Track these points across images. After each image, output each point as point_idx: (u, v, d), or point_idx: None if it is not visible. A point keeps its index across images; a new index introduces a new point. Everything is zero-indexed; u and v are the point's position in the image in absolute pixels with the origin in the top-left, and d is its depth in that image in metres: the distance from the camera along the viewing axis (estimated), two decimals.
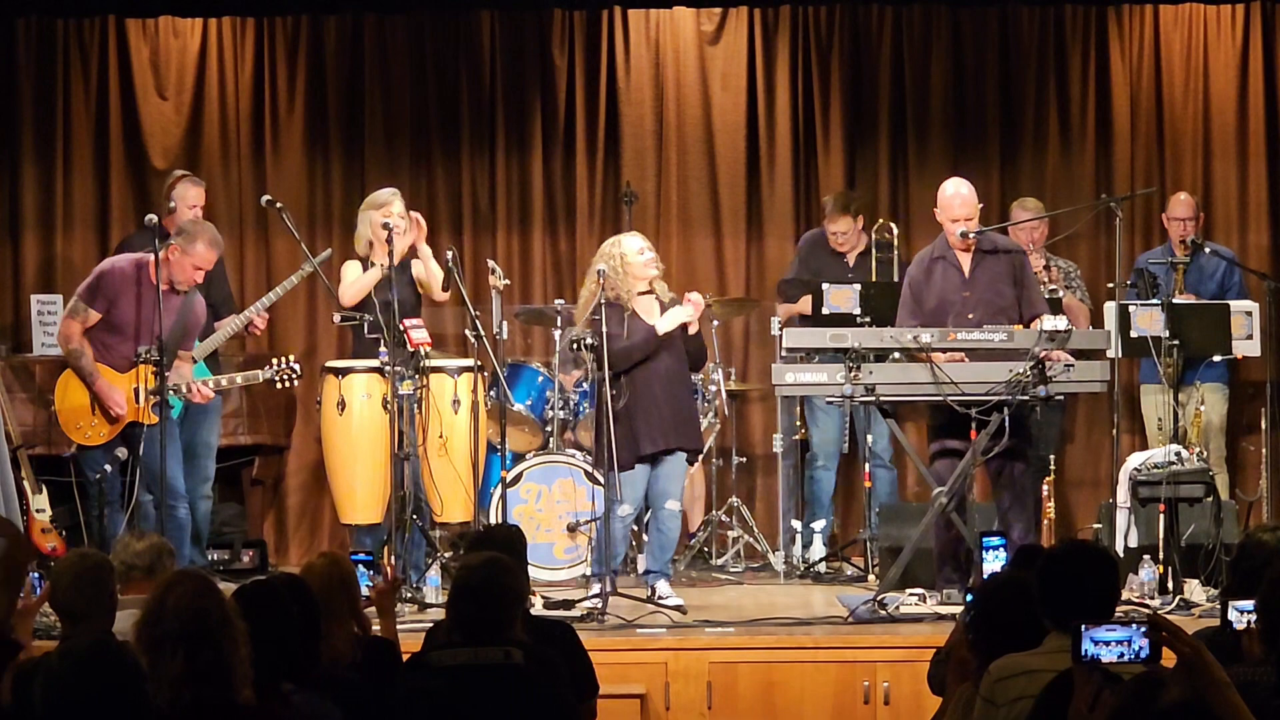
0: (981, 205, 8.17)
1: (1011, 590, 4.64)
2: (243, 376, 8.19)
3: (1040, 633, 4.42)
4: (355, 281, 8.21)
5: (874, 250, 9.46)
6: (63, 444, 8.53)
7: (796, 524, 9.28)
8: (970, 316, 7.79)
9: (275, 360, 8.25)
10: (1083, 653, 3.76)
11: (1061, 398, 7.89)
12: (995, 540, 6.39)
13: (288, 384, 8.25)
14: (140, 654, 3.80)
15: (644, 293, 7.93)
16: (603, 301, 7.75)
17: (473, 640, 4.63)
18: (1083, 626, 3.76)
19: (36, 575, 5.55)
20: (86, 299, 7.94)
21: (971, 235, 7.93)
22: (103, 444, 7.91)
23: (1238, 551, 5.34)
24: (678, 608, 7.67)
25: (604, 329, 7.71)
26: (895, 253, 9.49)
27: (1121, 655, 3.74)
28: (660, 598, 7.77)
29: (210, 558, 8.89)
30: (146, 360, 7.68)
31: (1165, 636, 3.78)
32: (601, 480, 7.92)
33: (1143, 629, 3.74)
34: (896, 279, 9.42)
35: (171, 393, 7.82)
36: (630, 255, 7.87)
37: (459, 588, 4.75)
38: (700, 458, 8.58)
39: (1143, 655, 3.74)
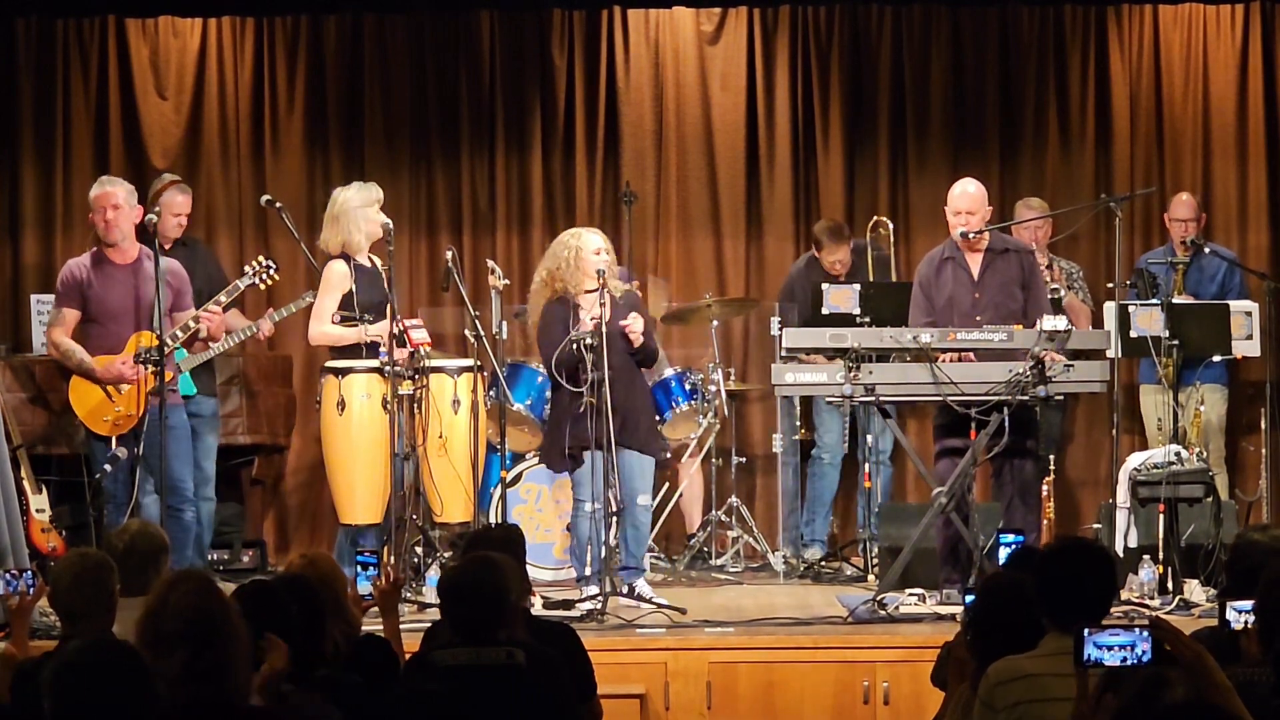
0: (991, 208, 8.15)
1: (1010, 591, 4.63)
2: (225, 293, 8.17)
3: (1039, 633, 4.41)
4: (330, 332, 8.04)
5: (869, 249, 9.47)
6: (63, 444, 8.53)
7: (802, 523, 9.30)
8: (978, 319, 7.79)
9: (249, 266, 8.23)
10: (1085, 657, 3.76)
11: (1061, 398, 7.88)
12: (1011, 538, 6.38)
13: (268, 281, 8.21)
14: (140, 652, 3.80)
15: (591, 290, 7.91)
16: (604, 302, 7.76)
17: (468, 639, 4.64)
18: (1085, 631, 3.76)
19: (31, 574, 5.54)
20: (61, 304, 8.02)
21: (971, 235, 7.92)
22: (137, 423, 7.87)
23: (1232, 552, 5.34)
24: (671, 607, 7.66)
25: (604, 328, 7.72)
26: (892, 250, 9.51)
27: (1124, 659, 3.74)
28: (641, 596, 7.76)
29: (210, 558, 8.89)
30: (146, 360, 7.68)
31: (1168, 637, 3.78)
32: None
33: (1145, 633, 3.73)
34: (895, 278, 9.46)
35: (183, 343, 7.86)
36: (586, 252, 7.87)
37: (445, 589, 4.80)
38: (666, 454, 8.58)
39: (1145, 659, 3.73)
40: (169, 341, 7.84)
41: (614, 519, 7.75)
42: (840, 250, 9.32)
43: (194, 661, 3.79)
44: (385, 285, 8.02)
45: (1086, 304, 9.41)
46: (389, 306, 7.88)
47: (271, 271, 8.20)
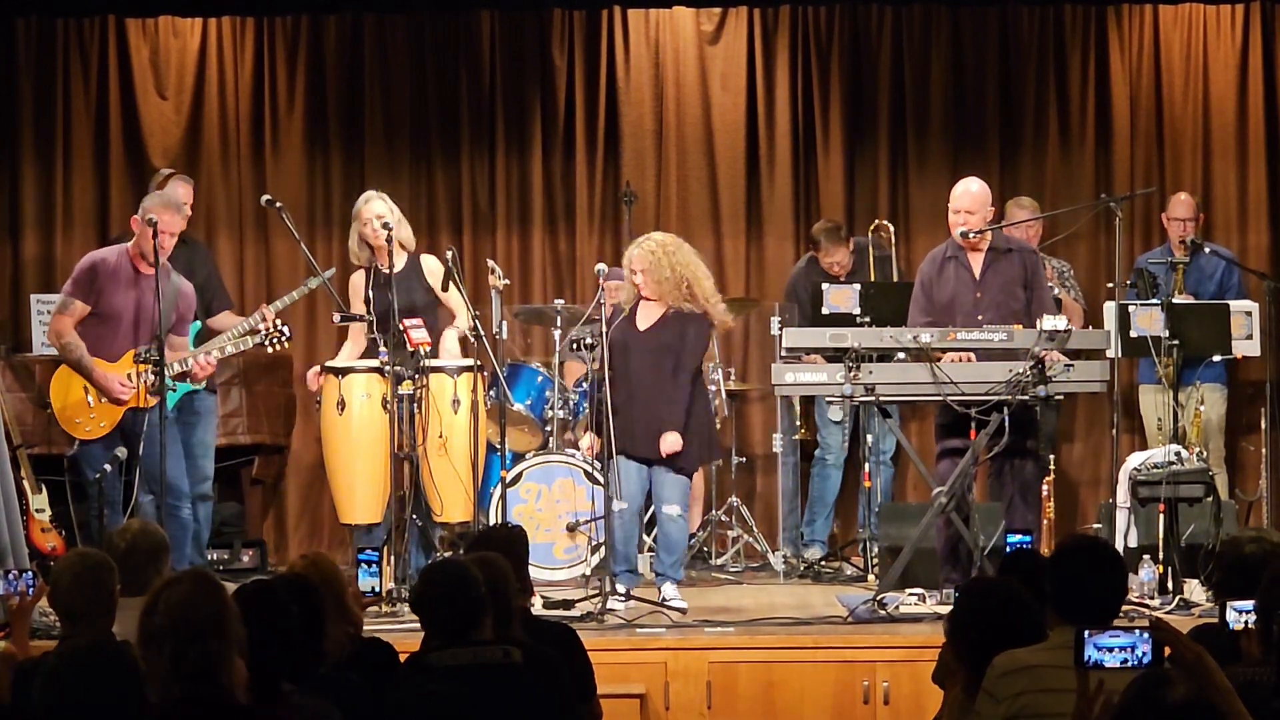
0: (994, 208, 8.15)
1: (991, 595, 4.62)
2: (233, 344, 8.15)
3: (1030, 635, 4.41)
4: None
5: (870, 249, 9.47)
6: (63, 444, 8.53)
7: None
8: (980, 319, 7.79)
9: (264, 325, 8.18)
10: (1085, 658, 3.75)
11: (1061, 397, 7.89)
12: (1019, 537, 6.40)
13: (278, 346, 8.17)
14: (138, 649, 3.81)
15: (645, 298, 7.92)
16: (602, 301, 7.80)
17: (451, 641, 4.64)
18: (1085, 632, 3.75)
19: (31, 574, 5.54)
20: (73, 293, 7.92)
21: (971, 236, 7.92)
22: (104, 436, 7.87)
23: (1223, 548, 5.34)
24: (680, 610, 7.67)
25: (604, 329, 7.76)
26: (893, 251, 9.51)
27: (1125, 661, 3.74)
28: (666, 599, 7.78)
29: (210, 558, 8.89)
30: (147, 360, 7.68)
31: (1168, 638, 3.78)
32: (601, 480, 7.97)
33: (1145, 635, 3.73)
34: (896, 279, 9.45)
35: (172, 376, 7.84)
36: (625, 269, 7.94)
37: (413, 601, 4.84)
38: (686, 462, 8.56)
39: (1145, 661, 3.73)
40: (172, 367, 7.83)
41: (612, 519, 7.78)
42: (838, 251, 9.32)
43: (180, 659, 3.79)
44: (389, 288, 8.06)
45: (1079, 302, 9.41)
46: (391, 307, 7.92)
47: (284, 339, 8.14)
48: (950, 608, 7.26)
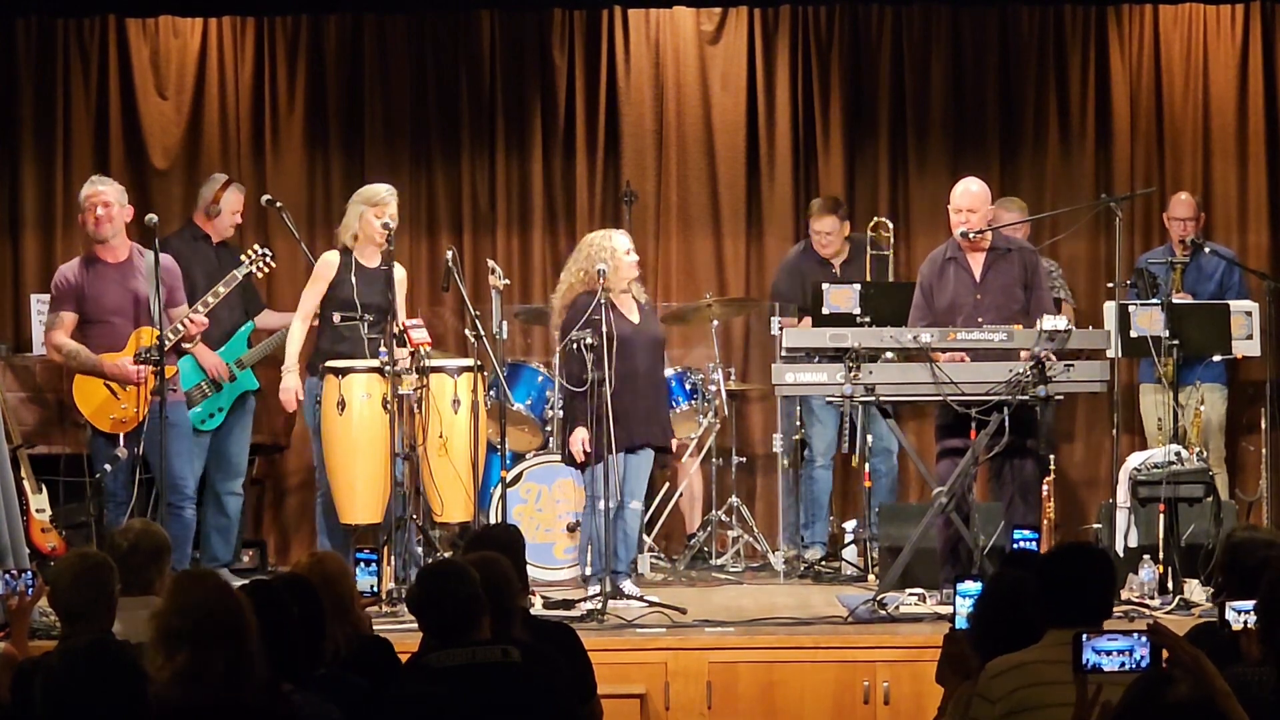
0: (994, 208, 8.15)
1: (1016, 590, 4.65)
2: (223, 284, 8.20)
3: (1042, 631, 4.42)
4: (293, 331, 8.17)
5: (869, 248, 9.45)
6: (64, 443, 8.53)
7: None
8: (980, 320, 7.79)
9: (247, 254, 8.27)
10: (1084, 662, 3.76)
11: (1060, 397, 7.89)
12: (1027, 534, 6.41)
13: (265, 270, 8.30)
14: (150, 650, 3.81)
15: (622, 291, 7.99)
16: (603, 302, 7.80)
17: (448, 642, 4.65)
18: (1084, 636, 3.76)
19: (31, 574, 5.54)
20: (57, 307, 8.04)
21: (972, 236, 7.92)
22: (141, 423, 7.87)
23: (1234, 551, 5.33)
24: (671, 607, 7.66)
25: (604, 328, 7.76)
26: (890, 250, 9.48)
27: (1123, 665, 3.74)
28: (629, 596, 7.79)
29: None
30: (146, 360, 7.69)
31: (1166, 641, 3.78)
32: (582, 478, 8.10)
33: (1143, 638, 3.73)
34: (892, 279, 9.44)
35: (175, 340, 7.93)
36: (620, 254, 7.94)
37: (411, 601, 4.84)
38: (672, 456, 8.64)
39: (1143, 664, 3.74)
40: (168, 338, 7.86)
41: (614, 518, 7.81)
42: (826, 219, 9.31)
43: (197, 661, 3.79)
44: (384, 287, 8.03)
45: (1069, 302, 9.41)
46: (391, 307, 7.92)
47: (268, 259, 8.26)
48: (951, 608, 7.33)
